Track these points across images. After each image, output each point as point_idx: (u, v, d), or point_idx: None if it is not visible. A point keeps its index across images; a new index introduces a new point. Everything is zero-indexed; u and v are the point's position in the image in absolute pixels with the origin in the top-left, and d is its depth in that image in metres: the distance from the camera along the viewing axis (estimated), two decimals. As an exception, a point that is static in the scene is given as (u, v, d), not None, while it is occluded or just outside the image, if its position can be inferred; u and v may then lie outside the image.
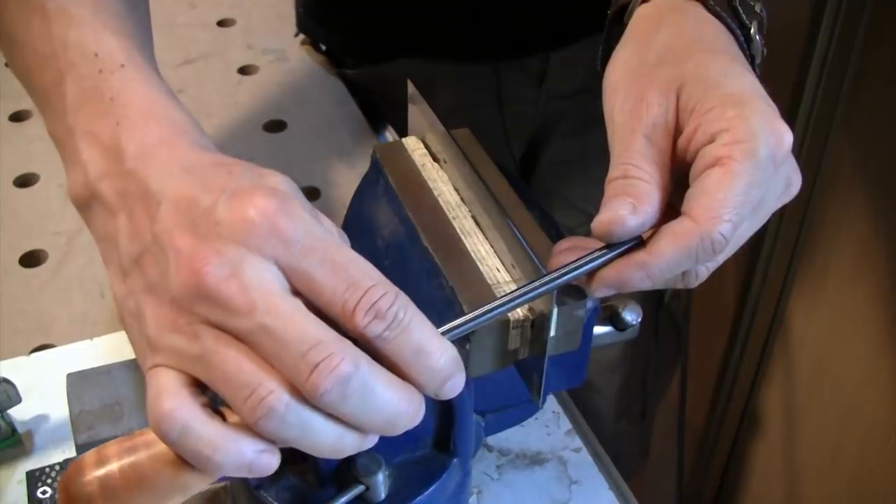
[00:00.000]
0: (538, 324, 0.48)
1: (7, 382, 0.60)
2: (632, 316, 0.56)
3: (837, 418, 1.23)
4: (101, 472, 0.39)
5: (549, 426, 0.65)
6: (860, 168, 1.10)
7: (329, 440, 0.38)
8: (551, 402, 0.66)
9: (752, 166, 0.44)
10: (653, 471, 1.29)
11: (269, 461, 0.38)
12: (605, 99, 0.50)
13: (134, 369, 0.64)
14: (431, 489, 0.52)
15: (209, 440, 0.37)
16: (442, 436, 0.54)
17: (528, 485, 0.61)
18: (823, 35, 1.05)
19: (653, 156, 0.46)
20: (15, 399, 0.60)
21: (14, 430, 0.61)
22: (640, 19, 0.53)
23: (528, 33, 0.91)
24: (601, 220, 0.44)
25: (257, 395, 0.37)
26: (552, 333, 0.48)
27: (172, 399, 0.38)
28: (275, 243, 0.38)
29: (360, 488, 0.50)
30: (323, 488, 0.51)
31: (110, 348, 0.68)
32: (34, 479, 0.59)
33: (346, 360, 0.37)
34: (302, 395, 0.37)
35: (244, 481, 0.52)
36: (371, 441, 0.40)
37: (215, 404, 0.39)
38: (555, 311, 0.47)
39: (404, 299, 0.38)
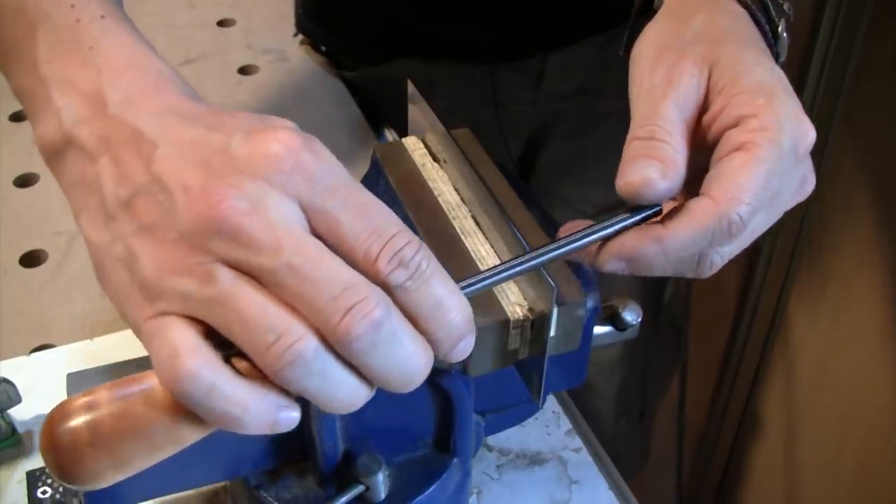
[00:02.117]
0: (538, 324, 0.48)
1: (7, 382, 0.60)
2: (632, 316, 0.56)
3: (838, 419, 1.22)
4: (90, 416, 0.36)
5: (549, 426, 0.65)
6: (861, 165, 1.10)
7: (345, 393, 0.36)
8: (551, 402, 0.66)
9: (776, 154, 0.44)
10: (653, 471, 1.29)
11: (294, 417, 0.37)
12: (634, 64, 0.50)
13: (134, 369, 0.64)
14: (431, 489, 0.52)
15: (238, 400, 0.35)
16: (442, 436, 0.54)
17: (528, 485, 0.61)
18: (824, 31, 1.05)
19: (680, 126, 0.46)
20: (15, 399, 0.60)
21: (14, 430, 0.61)
22: (675, 5, 0.53)
23: (527, 34, 0.91)
24: (630, 182, 0.44)
25: (285, 341, 0.34)
26: (552, 333, 0.48)
27: (196, 356, 0.35)
28: (298, 180, 0.36)
29: (360, 488, 0.50)
30: (323, 488, 0.51)
31: (110, 348, 0.68)
32: (34, 479, 0.59)
33: (380, 305, 0.35)
34: (327, 342, 0.35)
35: (244, 481, 0.52)
36: (371, 394, 0.38)
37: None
38: (555, 311, 0.47)
39: (427, 250, 0.37)
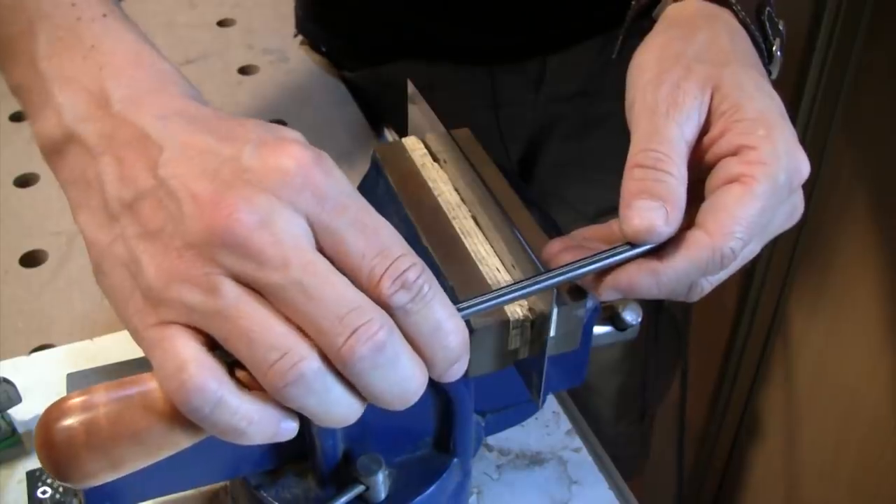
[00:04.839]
0: (538, 324, 0.48)
1: (7, 382, 0.60)
2: (632, 316, 0.56)
3: (837, 418, 1.22)
4: (86, 416, 0.36)
5: (549, 426, 0.65)
6: (860, 168, 1.10)
7: (341, 410, 0.37)
8: (551, 402, 0.66)
9: (771, 189, 0.45)
10: (653, 471, 1.29)
11: (294, 427, 0.37)
12: (635, 76, 0.50)
13: (134, 369, 0.64)
14: (431, 489, 0.52)
15: (244, 414, 0.35)
16: (442, 436, 0.54)
17: (528, 485, 0.61)
18: (824, 33, 1.05)
19: (683, 150, 0.46)
20: (15, 399, 0.60)
21: (14, 430, 0.61)
22: (676, 17, 0.53)
23: (527, 36, 0.91)
24: (636, 229, 0.44)
25: (288, 360, 0.35)
26: (552, 333, 0.48)
27: (202, 371, 0.35)
28: (308, 197, 0.36)
29: (360, 488, 0.50)
30: (323, 488, 0.51)
31: (110, 348, 0.68)
32: (34, 479, 0.59)
33: (384, 327, 0.35)
34: (328, 360, 0.35)
35: (244, 481, 0.52)
36: (363, 409, 0.38)
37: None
38: (555, 311, 0.47)
39: (429, 273, 0.37)
